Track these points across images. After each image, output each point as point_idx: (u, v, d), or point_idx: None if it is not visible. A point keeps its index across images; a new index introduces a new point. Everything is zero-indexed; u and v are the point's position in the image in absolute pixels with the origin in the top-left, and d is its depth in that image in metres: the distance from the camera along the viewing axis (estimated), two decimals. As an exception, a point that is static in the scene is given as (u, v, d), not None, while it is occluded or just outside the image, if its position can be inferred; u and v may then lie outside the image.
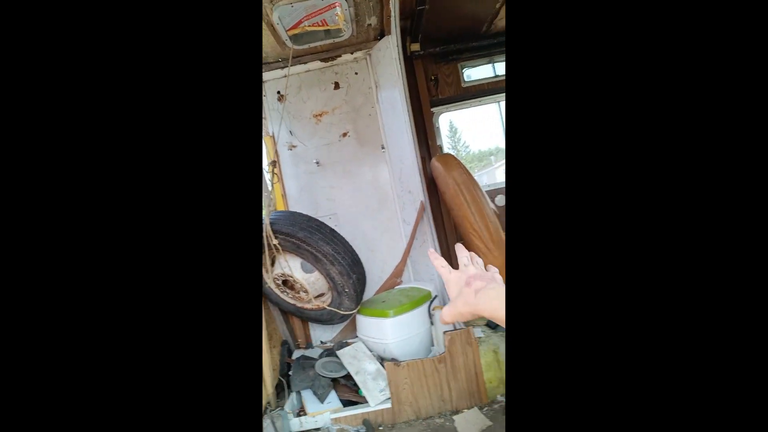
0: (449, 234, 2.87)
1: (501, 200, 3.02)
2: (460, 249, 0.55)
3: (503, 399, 1.61)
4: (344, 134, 2.41)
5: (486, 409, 1.59)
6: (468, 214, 2.06)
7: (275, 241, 1.84)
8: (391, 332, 1.84)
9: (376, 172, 2.41)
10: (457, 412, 1.59)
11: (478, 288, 0.46)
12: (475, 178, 2.40)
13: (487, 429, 1.46)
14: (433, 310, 1.98)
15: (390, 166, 2.38)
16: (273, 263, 1.99)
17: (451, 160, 2.24)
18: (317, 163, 2.39)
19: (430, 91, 2.96)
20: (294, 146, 2.40)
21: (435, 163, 2.31)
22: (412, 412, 1.62)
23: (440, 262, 0.55)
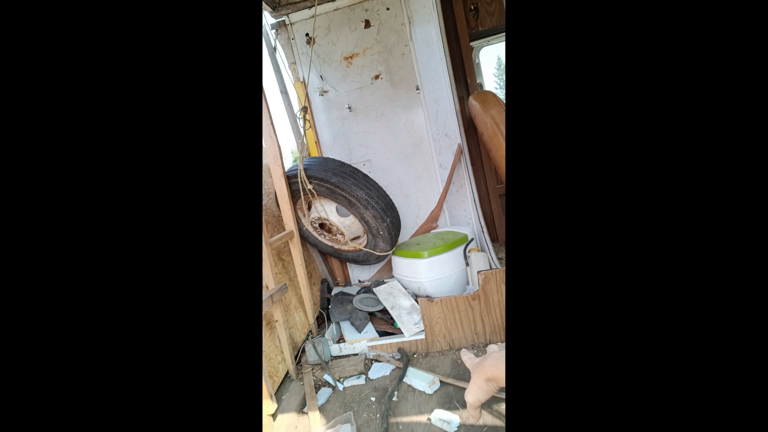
0: (489, 178, 2.78)
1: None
2: (463, 353, 0.64)
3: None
4: (376, 77, 2.35)
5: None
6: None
7: (310, 186, 1.91)
8: (425, 272, 1.89)
9: (411, 115, 2.35)
10: (489, 343, 1.63)
11: (486, 358, 0.54)
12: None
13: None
14: (468, 251, 1.98)
15: (425, 108, 2.31)
16: (309, 207, 2.08)
17: (489, 98, 2.11)
18: (349, 108, 2.38)
19: (469, 23, 2.74)
20: (325, 91, 2.40)
21: (472, 102, 2.20)
22: (446, 343, 1.69)
23: (467, 358, 0.62)
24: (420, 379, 1.45)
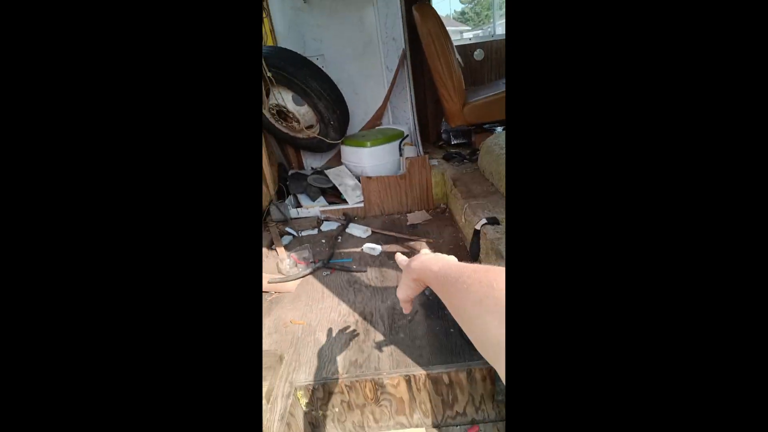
0: (427, 82, 3.17)
1: (479, 54, 3.23)
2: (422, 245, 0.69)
3: (446, 206, 2.27)
4: (332, -30, 2.44)
5: (431, 211, 2.25)
6: (437, 65, 2.36)
7: (269, 74, 2.17)
8: (368, 159, 2.38)
9: (363, 16, 2.55)
10: (410, 212, 2.26)
11: (411, 258, 0.58)
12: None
13: (427, 221, 2.14)
14: (403, 145, 2.48)
15: (376, 11, 2.52)
16: (267, 95, 2.35)
17: (427, 11, 2.38)
18: (305, 0, 2.50)
19: None
20: (281, -22, 2.46)
21: (414, 12, 2.46)
22: (379, 210, 2.28)
23: (401, 260, 0.65)
24: (358, 229, 2.04)
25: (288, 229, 2.12)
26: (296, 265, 1.78)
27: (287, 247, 1.96)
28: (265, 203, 2.31)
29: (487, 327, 0.33)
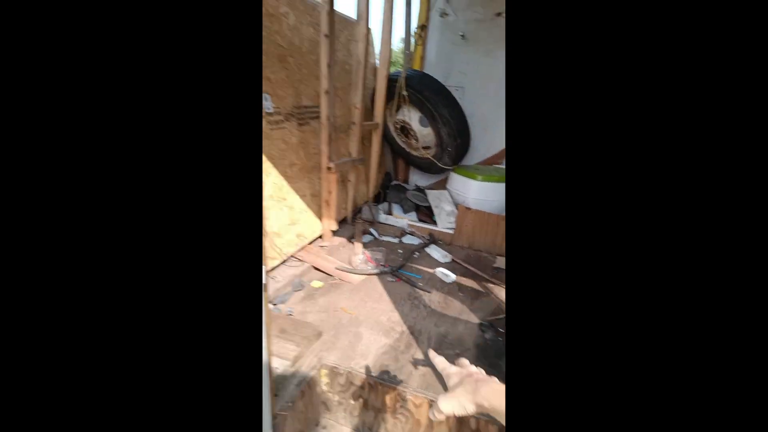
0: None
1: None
2: (461, 361, 0.56)
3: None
4: (498, 14, 2.56)
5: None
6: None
7: (405, 92, 2.33)
8: (474, 192, 2.31)
9: (514, 59, 2.57)
10: (500, 255, 2.08)
11: (480, 379, 0.47)
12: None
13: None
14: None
15: (529, 56, 2.51)
16: (398, 110, 2.52)
17: None
18: (463, 36, 2.66)
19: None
20: (446, 14, 2.68)
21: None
22: (467, 242, 2.16)
23: (439, 360, 0.56)
24: (438, 252, 1.96)
25: (372, 230, 2.16)
26: (366, 263, 1.78)
27: (365, 245, 1.99)
28: (362, 200, 2.42)
29: None
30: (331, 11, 1.77)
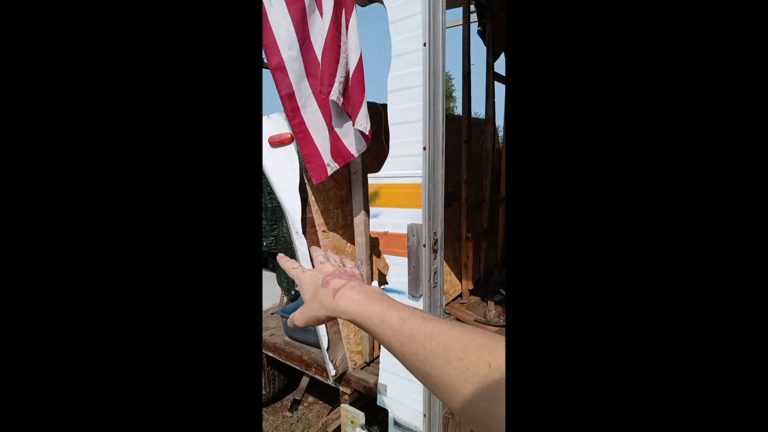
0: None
1: None
2: (314, 250, 0.52)
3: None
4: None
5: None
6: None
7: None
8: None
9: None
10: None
11: (337, 287, 0.43)
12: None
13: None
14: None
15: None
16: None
17: None
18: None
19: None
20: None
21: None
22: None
23: (290, 264, 0.50)
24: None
25: (501, 290, 2.55)
26: (499, 316, 2.18)
27: (496, 303, 2.40)
28: (491, 265, 2.83)
29: (491, 413, 0.27)
30: (469, 123, 2.41)
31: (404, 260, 1.29)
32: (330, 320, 0.45)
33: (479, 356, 0.30)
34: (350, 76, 1.31)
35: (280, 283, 2.67)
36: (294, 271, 0.49)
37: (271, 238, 2.43)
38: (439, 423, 1.44)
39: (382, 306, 0.38)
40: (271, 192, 1.99)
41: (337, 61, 1.28)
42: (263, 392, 2.40)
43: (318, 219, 1.67)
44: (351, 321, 0.41)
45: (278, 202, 1.61)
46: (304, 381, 2.34)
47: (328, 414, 2.30)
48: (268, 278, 2.75)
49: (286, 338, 2.25)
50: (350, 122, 1.36)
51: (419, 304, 1.31)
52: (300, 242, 1.55)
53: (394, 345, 0.35)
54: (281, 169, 1.47)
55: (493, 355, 0.29)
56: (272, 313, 2.63)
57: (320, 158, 1.42)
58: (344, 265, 0.49)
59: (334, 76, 1.28)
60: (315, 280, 0.46)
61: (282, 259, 0.52)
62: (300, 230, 1.55)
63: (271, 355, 2.26)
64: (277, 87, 1.33)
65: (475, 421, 0.29)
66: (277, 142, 1.44)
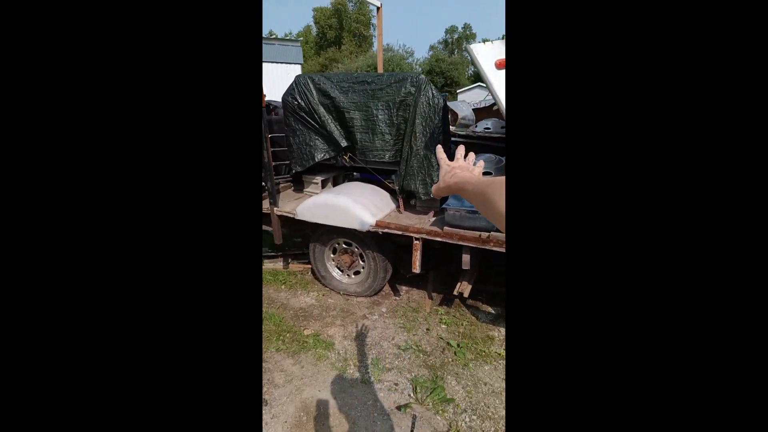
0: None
1: None
2: (459, 149, 0.74)
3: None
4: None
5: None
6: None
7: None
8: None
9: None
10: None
11: (454, 173, 0.67)
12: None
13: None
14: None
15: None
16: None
17: None
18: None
19: None
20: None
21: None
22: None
23: (441, 155, 0.75)
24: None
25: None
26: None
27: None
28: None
29: (497, 208, 0.47)
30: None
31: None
32: (450, 192, 0.68)
33: (495, 200, 0.48)
34: None
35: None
36: (441, 160, 0.73)
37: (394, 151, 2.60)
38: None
39: (469, 182, 0.62)
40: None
41: None
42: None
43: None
44: (455, 190, 0.65)
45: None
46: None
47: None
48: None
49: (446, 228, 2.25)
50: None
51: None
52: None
53: (472, 200, 0.60)
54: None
55: (499, 197, 0.47)
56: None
57: None
58: (470, 163, 0.73)
59: None
60: (446, 167, 0.70)
61: (439, 150, 0.77)
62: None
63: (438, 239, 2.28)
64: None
65: (499, 222, 0.47)
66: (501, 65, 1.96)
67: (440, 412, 1.82)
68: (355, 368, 2.11)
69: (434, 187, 0.72)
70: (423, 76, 2.43)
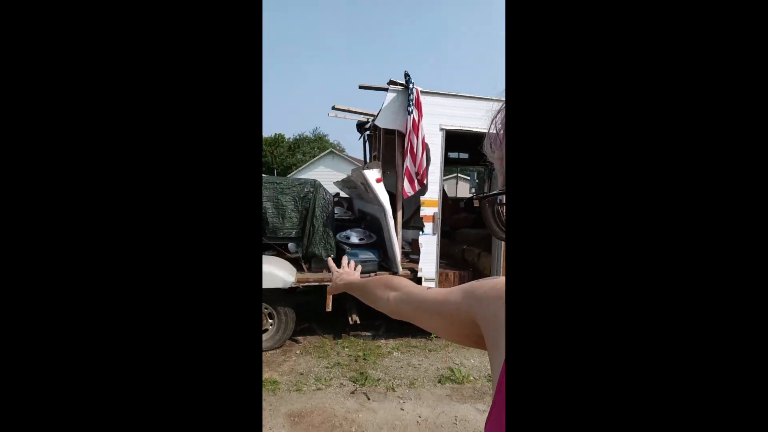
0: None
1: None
2: (345, 258, 1.02)
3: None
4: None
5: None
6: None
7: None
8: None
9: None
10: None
11: (342, 278, 0.91)
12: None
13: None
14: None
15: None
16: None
17: None
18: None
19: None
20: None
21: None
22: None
23: (332, 264, 1.01)
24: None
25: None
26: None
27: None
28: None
29: (374, 295, 0.74)
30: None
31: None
32: (338, 291, 0.92)
33: (381, 292, 0.74)
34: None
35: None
36: (332, 267, 1.00)
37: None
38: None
39: (353, 282, 0.89)
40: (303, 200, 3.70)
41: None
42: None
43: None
44: (343, 288, 0.90)
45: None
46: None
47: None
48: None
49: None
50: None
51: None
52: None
53: (356, 293, 0.85)
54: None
55: (386, 289, 0.72)
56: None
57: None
58: (352, 268, 0.97)
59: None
60: (336, 273, 0.96)
61: (329, 261, 1.05)
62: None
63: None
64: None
65: (393, 313, 0.70)
66: (379, 180, 3.49)
67: (376, 386, 2.94)
68: (307, 387, 2.89)
69: (329, 287, 0.96)
70: (318, 180, 3.85)
